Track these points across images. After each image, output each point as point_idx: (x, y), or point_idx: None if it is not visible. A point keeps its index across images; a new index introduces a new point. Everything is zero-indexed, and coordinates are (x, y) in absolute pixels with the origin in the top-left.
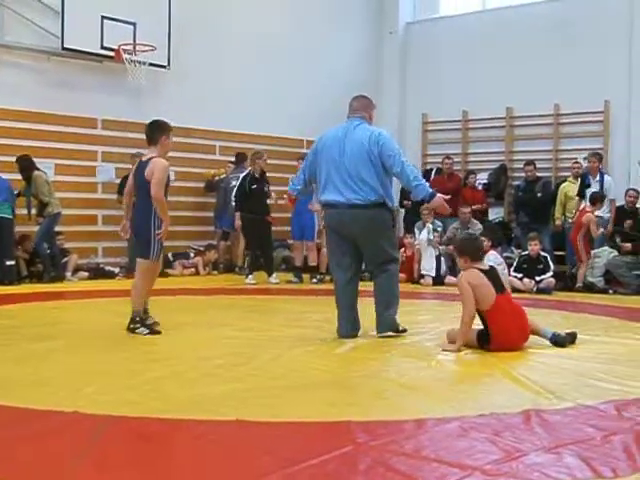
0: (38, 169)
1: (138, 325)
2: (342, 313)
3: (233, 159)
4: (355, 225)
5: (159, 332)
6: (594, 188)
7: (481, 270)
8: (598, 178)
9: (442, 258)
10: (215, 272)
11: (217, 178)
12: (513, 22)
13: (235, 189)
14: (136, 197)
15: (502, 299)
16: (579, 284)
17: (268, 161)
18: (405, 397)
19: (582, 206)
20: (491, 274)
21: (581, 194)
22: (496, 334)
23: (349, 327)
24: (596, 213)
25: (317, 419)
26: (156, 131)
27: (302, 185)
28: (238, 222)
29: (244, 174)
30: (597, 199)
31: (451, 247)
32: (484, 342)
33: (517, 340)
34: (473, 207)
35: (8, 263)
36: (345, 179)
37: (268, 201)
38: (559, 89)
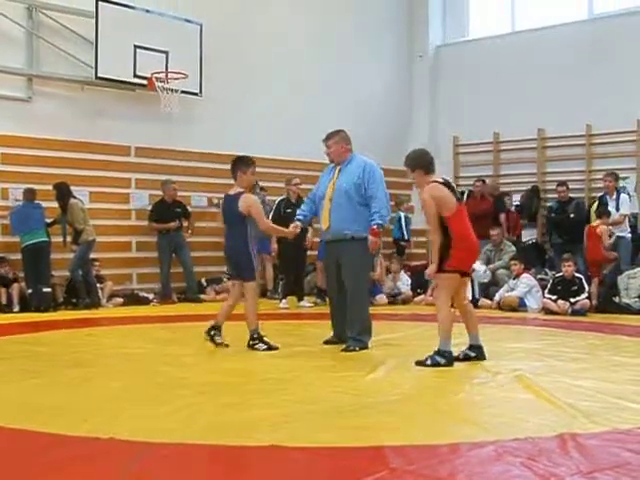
0: (75, 197)
1: (257, 342)
2: None
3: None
4: None
5: (277, 347)
6: (611, 207)
7: (440, 182)
8: (615, 197)
9: (476, 282)
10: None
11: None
12: (543, 43)
13: (271, 213)
14: (229, 227)
15: (461, 207)
16: (594, 302)
17: (302, 186)
18: (439, 421)
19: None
20: (449, 185)
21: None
22: (457, 238)
23: None
24: (618, 233)
25: (351, 444)
26: (233, 168)
27: None
28: (275, 246)
29: (280, 199)
30: (602, 214)
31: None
32: (444, 254)
33: (475, 248)
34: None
35: (44, 290)
36: None
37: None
38: (591, 109)
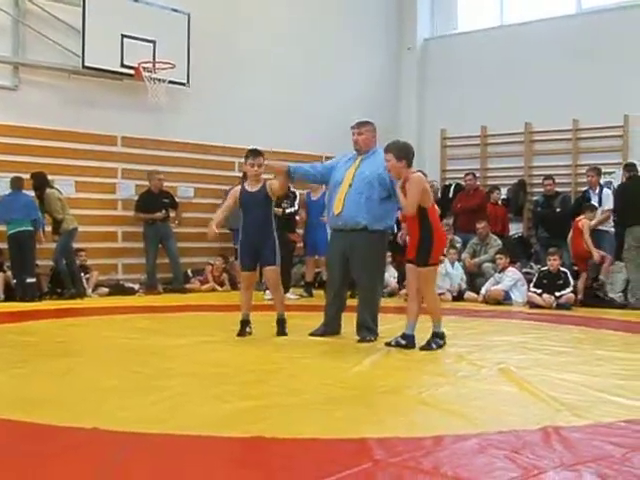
0: (52, 187)
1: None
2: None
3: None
4: None
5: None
6: (594, 202)
7: None
8: (598, 191)
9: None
10: (220, 289)
11: None
12: (531, 37)
13: None
14: None
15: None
16: (580, 297)
17: None
18: (424, 413)
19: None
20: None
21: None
22: (435, 229)
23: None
24: (602, 227)
25: (335, 436)
26: None
27: None
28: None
29: None
30: (586, 208)
31: (392, 159)
32: (428, 248)
33: (445, 238)
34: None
35: (29, 280)
36: None
37: (297, 217)
38: (578, 104)
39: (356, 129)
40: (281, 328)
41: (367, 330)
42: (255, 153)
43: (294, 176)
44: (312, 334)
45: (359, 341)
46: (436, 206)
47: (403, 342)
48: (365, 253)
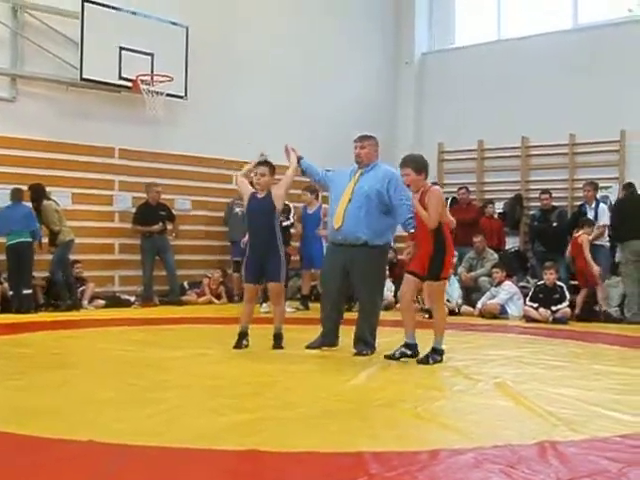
0: (49, 198)
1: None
2: None
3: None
4: None
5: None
6: (590, 216)
7: None
8: (594, 206)
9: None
10: (217, 301)
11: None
12: (528, 52)
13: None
14: None
15: None
16: (602, 309)
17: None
18: (419, 427)
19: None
20: None
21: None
22: (448, 244)
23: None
24: (598, 242)
25: (331, 449)
26: None
27: None
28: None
29: None
30: (584, 223)
31: (408, 173)
32: (440, 263)
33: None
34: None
35: (25, 292)
36: None
37: (292, 230)
38: (574, 118)
39: (359, 142)
40: (278, 342)
41: (364, 344)
42: (260, 162)
43: (304, 166)
44: (309, 346)
45: (355, 354)
46: (452, 217)
47: (409, 352)
48: (366, 268)
